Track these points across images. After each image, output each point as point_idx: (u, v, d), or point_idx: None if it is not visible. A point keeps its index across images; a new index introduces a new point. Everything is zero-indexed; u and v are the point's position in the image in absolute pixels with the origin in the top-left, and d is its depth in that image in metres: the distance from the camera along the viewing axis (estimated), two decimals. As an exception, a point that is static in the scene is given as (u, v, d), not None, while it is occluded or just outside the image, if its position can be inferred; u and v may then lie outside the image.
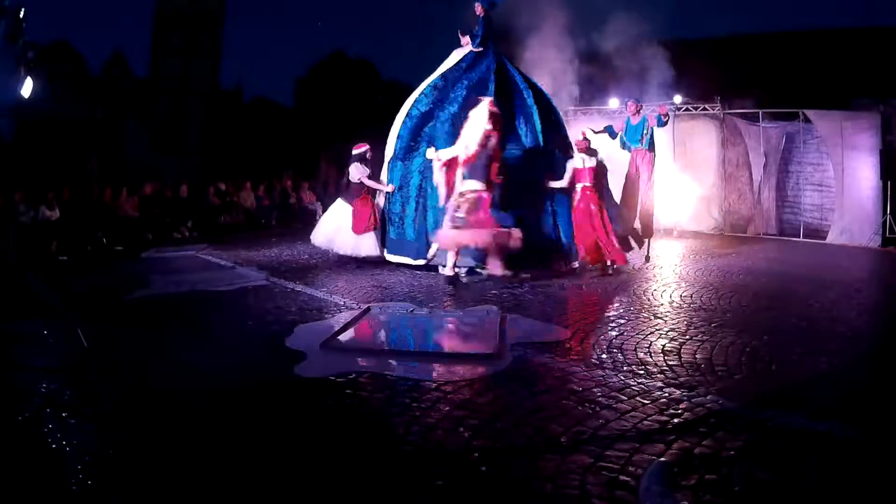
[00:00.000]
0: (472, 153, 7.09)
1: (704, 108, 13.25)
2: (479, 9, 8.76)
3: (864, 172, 11.12)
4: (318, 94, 23.49)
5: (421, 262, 8.13)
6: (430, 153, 7.77)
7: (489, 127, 7.12)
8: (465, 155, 7.16)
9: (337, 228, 8.70)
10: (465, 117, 7.72)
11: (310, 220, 15.27)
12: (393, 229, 8.55)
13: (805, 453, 3.04)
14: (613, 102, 14.01)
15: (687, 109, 13.38)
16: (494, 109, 7.33)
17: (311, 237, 9.10)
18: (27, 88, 6.79)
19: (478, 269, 7.73)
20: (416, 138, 8.54)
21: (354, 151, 8.61)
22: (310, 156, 18.09)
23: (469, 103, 7.96)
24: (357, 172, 8.56)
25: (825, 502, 2.70)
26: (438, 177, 7.51)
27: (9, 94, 6.66)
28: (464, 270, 7.74)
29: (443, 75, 8.82)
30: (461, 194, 7.15)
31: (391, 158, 8.71)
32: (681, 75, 13.17)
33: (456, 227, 7.07)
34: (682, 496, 2.64)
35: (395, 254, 8.48)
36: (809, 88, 14.34)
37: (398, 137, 8.72)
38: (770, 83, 15.41)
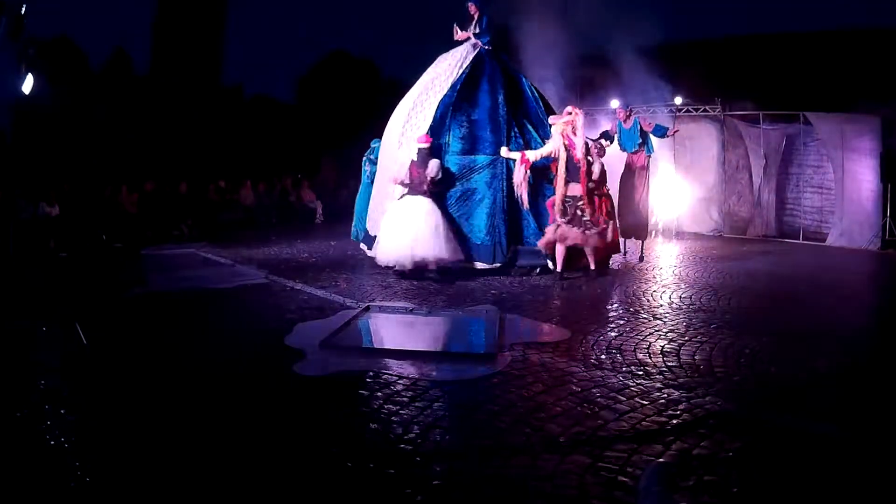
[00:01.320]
0: (576, 156, 7.37)
1: (705, 110, 13.25)
2: (472, 8, 8.76)
3: (864, 175, 11.12)
4: (319, 91, 23.48)
5: (497, 265, 7.77)
6: (506, 153, 7.79)
7: (580, 132, 7.43)
8: (564, 158, 7.38)
9: (425, 232, 7.31)
10: (530, 123, 8.27)
11: (309, 219, 15.32)
12: None
13: (804, 455, 3.05)
14: (614, 103, 14.01)
15: (687, 111, 13.38)
16: (582, 118, 7.61)
17: (378, 256, 7.60)
18: (28, 85, 6.78)
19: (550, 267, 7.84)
20: (473, 136, 8.08)
21: (424, 145, 7.65)
22: (310, 154, 18.10)
23: (526, 109, 8.42)
24: (437, 169, 7.58)
25: (823, 504, 2.71)
26: (519, 177, 7.65)
27: (9, 90, 6.66)
28: (537, 270, 7.85)
29: (466, 75, 8.46)
30: (572, 197, 7.39)
31: (443, 152, 8.06)
32: (681, 77, 13.19)
33: (571, 228, 7.34)
34: (680, 497, 2.64)
35: None
36: (810, 91, 14.36)
37: (448, 130, 8.08)
38: (771, 85, 15.42)
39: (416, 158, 7.63)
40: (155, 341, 5.08)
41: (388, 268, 7.65)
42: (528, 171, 7.70)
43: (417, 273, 7.42)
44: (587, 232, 7.35)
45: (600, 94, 14.35)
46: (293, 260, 9.31)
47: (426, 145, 7.68)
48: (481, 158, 7.96)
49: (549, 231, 7.51)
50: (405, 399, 3.75)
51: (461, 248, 7.59)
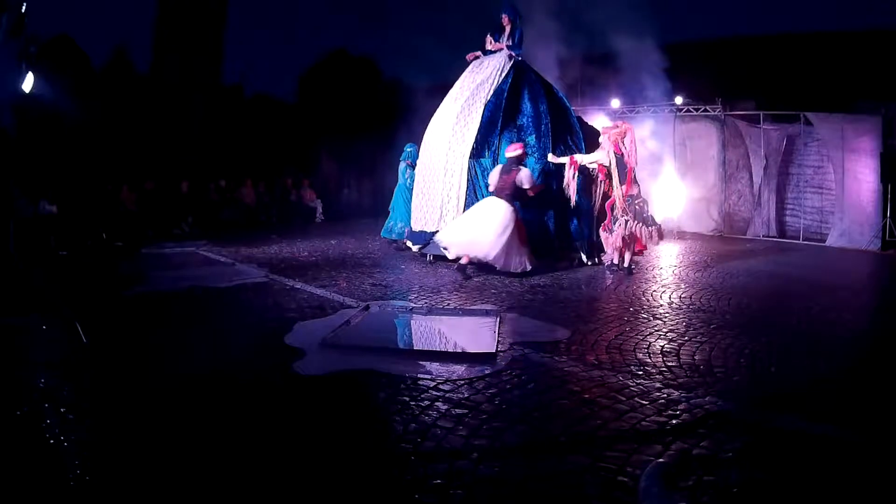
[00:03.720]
0: (628, 162, 8.06)
1: (705, 110, 13.25)
2: (505, 20, 9.33)
3: (864, 175, 11.12)
4: (320, 90, 23.47)
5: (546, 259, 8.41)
6: (553, 158, 8.44)
7: (630, 142, 8.08)
8: (614, 164, 8.01)
9: (491, 235, 7.51)
10: (567, 131, 9.00)
11: (310, 218, 15.33)
12: None
13: (803, 455, 3.05)
14: (615, 103, 14.02)
15: (688, 111, 13.38)
16: (633, 131, 8.30)
17: (448, 241, 7.76)
18: (28, 83, 6.77)
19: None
20: (521, 142, 8.53)
21: (514, 153, 7.83)
22: (311, 152, 18.08)
23: (563, 118, 9.13)
24: (529, 179, 7.82)
25: (823, 505, 2.71)
26: (568, 178, 8.23)
27: (10, 88, 6.65)
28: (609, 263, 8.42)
29: (510, 84, 8.96)
30: (631, 196, 8.08)
31: (497, 155, 8.57)
32: (682, 76, 13.18)
33: (628, 229, 8.02)
34: (680, 497, 2.64)
35: None
36: (811, 91, 14.34)
37: (499, 135, 8.63)
38: (771, 85, 15.41)
39: (504, 164, 7.87)
40: (155, 340, 5.08)
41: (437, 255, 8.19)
42: (577, 173, 8.24)
43: (464, 267, 7.72)
44: (649, 227, 8.08)
45: (601, 93, 14.35)
46: (293, 259, 9.31)
47: (516, 153, 7.85)
48: (530, 161, 8.44)
49: (619, 229, 8.04)
50: (405, 399, 3.76)
51: (529, 258, 7.78)
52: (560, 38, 11.54)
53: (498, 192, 7.75)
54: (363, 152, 17.84)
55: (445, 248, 7.90)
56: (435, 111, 9.65)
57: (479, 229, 7.59)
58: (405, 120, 12.54)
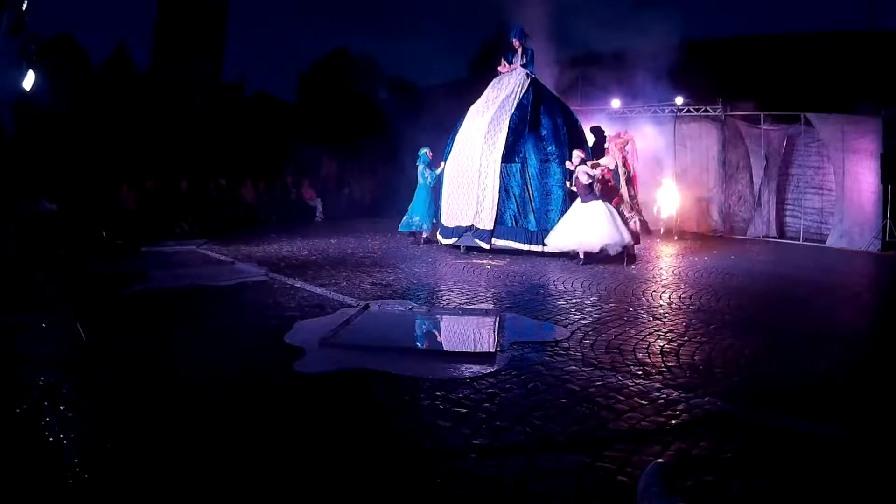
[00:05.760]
0: (630, 165, 9.60)
1: (706, 110, 13.24)
2: (516, 43, 10.34)
3: (864, 176, 11.12)
4: (320, 89, 23.46)
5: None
6: (571, 165, 9.04)
7: (632, 149, 9.21)
8: (622, 166, 9.30)
9: (605, 228, 8.70)
10: (577, 141, 9.80)
11: (310, 217, 15.32)
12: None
13: (803, 455, 3.05)
14: (615, 103, 14.01)
15: (688, 111, 13.38)
16: (633, 140, 9.78)
17: (555, 244, 8.98)
18: (28, 82, 6.77)
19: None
20: (545, 150, 9.70)
21: (583, 155, 8.97)
22: (311, 152, 18.08)
23: (574, 130, 10.05)
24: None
25: (822, 505, 2.71)
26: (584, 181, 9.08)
27: (10, 86, 6.64)
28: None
29: (532, 99, 10.01)
30: (632, 198, 9.36)
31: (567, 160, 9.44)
32: (683, 77, 13.16)
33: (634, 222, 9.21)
34: (679, 497, 2.64)
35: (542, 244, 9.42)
36: (811, 91, 14.34)
37: (526, 142, 9.63)
38: (771, 85, 15.40)
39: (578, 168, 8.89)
40: (155, 338, 5.08)
41: (563, 253, 9.11)
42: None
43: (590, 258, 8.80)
44: (636, 222, 9.10)
45: (601, 94, 14.33)
46: (293, 257, 9.31)
47: (583, 156, 8.95)
48: (553, 167, 9.59)
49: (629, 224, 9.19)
50: (405, 398, 3.76)
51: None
52: (560, 37, 11.60)
53: (587, 195, 8.70)
54: (363, 152, 17.84)
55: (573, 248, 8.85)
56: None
57: (593, 229, 8.63)
58: (405, 119, 12.54)
